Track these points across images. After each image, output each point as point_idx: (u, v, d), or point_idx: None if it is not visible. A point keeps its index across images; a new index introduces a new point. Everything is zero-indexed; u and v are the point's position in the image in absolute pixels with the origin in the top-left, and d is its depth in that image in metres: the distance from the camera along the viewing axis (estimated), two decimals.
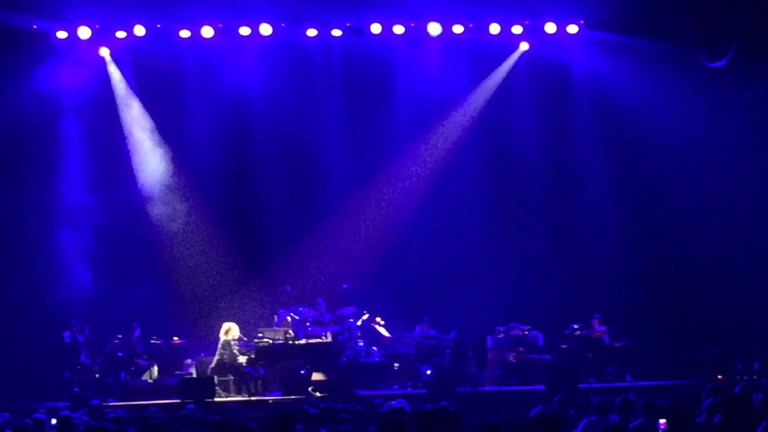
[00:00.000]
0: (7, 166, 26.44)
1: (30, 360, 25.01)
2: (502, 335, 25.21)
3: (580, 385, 22.23)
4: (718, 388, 15.58)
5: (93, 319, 25.24)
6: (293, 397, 22.49)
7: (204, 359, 24.46)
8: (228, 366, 23.62)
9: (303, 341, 24.11)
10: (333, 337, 24.68)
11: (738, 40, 24.89)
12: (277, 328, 24.80)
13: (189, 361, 25.20)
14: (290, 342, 23.92)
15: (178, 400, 22.10)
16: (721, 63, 25.30)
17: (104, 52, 27.03)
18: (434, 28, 26.80)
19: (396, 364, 25.09)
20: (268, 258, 27.58)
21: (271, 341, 23.96)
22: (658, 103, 26.58)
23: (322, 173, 27.86)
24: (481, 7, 26.61)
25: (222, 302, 27.04)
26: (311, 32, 26.85)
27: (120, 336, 25.21)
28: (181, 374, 24.60)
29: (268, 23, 26.56)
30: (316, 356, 23.82)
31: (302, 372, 23.70)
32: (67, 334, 24.65)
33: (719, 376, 23.48)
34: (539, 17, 27.03)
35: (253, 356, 23.66)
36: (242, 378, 23.62)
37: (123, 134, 27.32)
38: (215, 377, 23.22)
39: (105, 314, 25.51)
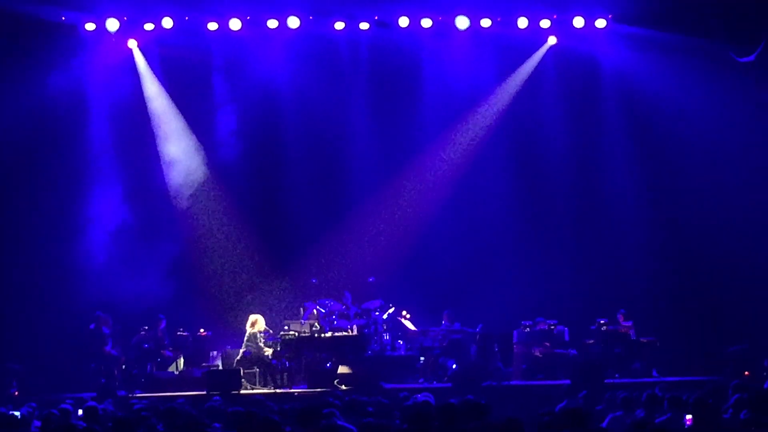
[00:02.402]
0: (34, 159, 26.53)
1: (57, 351, 25.10)
2: (528, 330, 25.16)
3: (606, 380, 22.16)
4: (745, 385, 15.55)
5: (119, 311, 25.27)
6: (319, 389, 22.53)
7: (230, 351, 24.50)
8: (254, 358, 23.65)
9: (329, 334, 24.15)
10: (359, 331, 24.70)
11: None
12: (303, 321, 24.84)
13: (215, 353, 25.26)
14: (316, 335, 23.96)
15: (204, 392, 22.17)
16: (751, 58, 25.17)
17: (132, 44, 27.05)
18: (462, 22, 26.76)
19: (422, 358, 25.10)
20: (294, 251, 27.59)
21: (297, 334, 23.98)
22: (687, 98, 26.43)
23: (349, 166, 27.83)
24: (509, 1, 26.57)
25: (248, 294, 27.09)
26: (339, 25, 26.85)
27: (146, 327, 25.29)
28: (207, 366, 24.65)
29: (296, 16, 26.55)
30: (342, 349, 23.85)
31: (328, 365, 23.76)
32: (93, 326, 24.72)
33: (746, 373, 23.39)
34: (567, 11, 26.96)
35: (279, 348, 23.65)
36: (268, 370, 23.63)
37: (150, 126, 27.34)
38: (241, 369, 23.27)
39: (131, 306, 25.53)
